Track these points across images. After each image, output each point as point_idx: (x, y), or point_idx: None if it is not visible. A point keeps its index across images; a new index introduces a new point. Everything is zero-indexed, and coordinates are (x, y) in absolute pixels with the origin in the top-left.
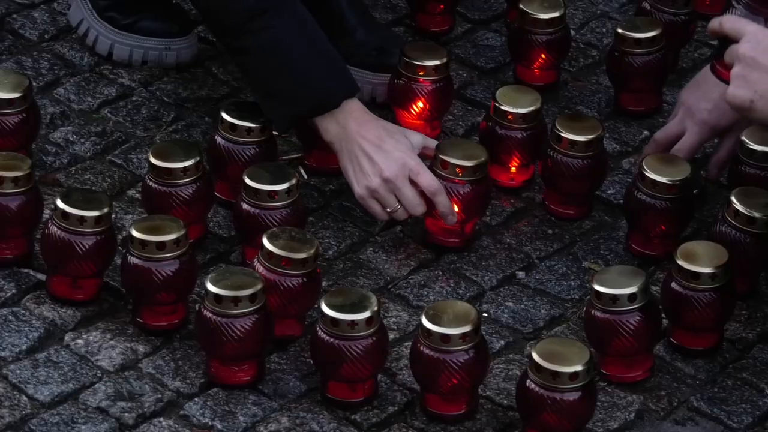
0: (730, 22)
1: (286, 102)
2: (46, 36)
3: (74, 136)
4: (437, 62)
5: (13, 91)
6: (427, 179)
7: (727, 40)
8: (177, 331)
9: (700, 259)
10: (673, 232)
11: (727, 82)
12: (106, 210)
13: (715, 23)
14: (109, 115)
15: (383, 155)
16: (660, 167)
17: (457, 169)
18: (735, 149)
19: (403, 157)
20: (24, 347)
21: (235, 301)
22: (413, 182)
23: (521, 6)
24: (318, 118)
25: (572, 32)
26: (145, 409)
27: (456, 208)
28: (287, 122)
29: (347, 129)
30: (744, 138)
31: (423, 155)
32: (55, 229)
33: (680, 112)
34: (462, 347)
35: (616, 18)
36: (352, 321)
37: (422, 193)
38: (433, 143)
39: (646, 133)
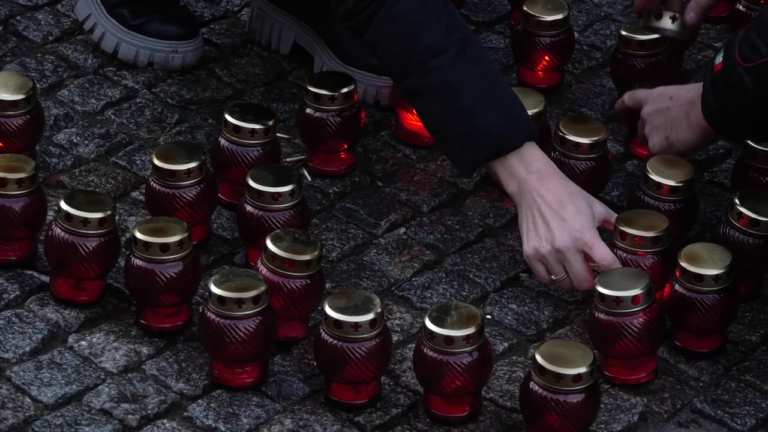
0: (628, 96)
1: (464, 145)
2: (50, 38)
3: (78, 138)
4: None
5: (17, 93)
6: (601, 253)
7: (634, 113)
8: (180, 333)
9: (703, 262)
10: (676, 234)
11: (642, 158)
12: (109, 212)
13: (619, 102)
14: (112, 116)
15: (560, 223)
16: (664, 169)
17: (636, 240)
18: None
19: (580, 230)
20: (27, 349)
21: (239, 303)
22: (588, 255)
23: (525, 8)
24: (498, 168)
25: (576, 34)
26: (149, 411)
27: None
28: (468, 166)
29: (527, 185)
30: (749, 141)
31: (603, 227)
32: (59, 230)
33: None
34: (465, 349)
35: (620, 20)
36: (356, 323)
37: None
38: (614, 216)
39: None
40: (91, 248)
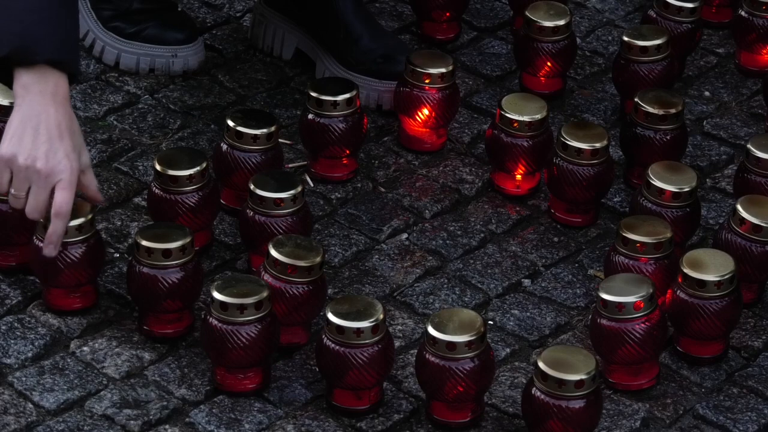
0: None
1: None
2: None
3: None
4: (443, 70)
5: None
6: (62, 198)
7: None
8: (183, 339)
9: (706, 268)
10: (678, 240)
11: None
12: (89, 217)
13: None
14: (115, 122)
15: (49, 147)
16: (665, 175)
17: (638, 245)
18: None
19: (67, 165)
20: (30, 354)
21: (241, 308)
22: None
23: (527, 14)
24: (19, 71)
25: (578, 40)
26: (151, 417)
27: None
28: None
29: (40, 96)
30: (750, 146)
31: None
32: (39, 242)
33: None
34: (467, 355)
35: (622, 26)
36: (358, 329)
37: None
38: (93, 192)
39: None
40: (76, 256)
